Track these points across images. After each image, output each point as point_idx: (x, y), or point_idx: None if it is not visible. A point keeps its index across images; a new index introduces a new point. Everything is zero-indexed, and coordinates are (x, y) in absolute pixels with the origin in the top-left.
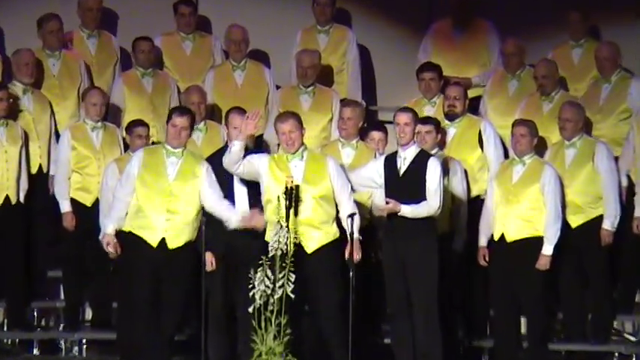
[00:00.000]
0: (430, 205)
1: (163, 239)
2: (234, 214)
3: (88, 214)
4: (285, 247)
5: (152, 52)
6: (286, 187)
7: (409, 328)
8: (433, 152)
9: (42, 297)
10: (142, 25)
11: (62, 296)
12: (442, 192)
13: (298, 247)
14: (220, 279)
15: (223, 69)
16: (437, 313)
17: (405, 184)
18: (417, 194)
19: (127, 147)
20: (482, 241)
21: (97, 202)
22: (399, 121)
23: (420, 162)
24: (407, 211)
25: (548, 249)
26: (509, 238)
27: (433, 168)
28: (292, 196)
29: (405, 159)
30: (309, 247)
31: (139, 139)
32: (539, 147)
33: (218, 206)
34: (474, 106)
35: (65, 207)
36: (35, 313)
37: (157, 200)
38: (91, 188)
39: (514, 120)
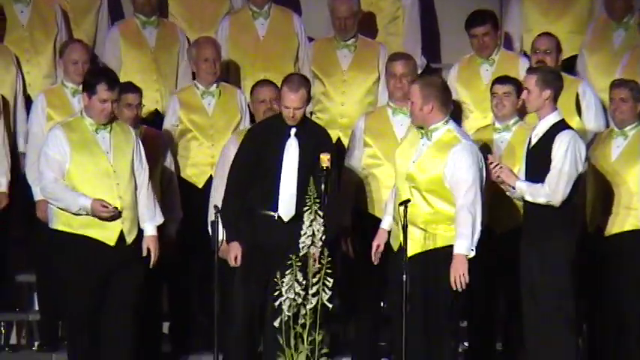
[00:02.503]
0: (545, 190)
1: (121, 234)
2: (149, 222)
3: None
4: (321, 242)
5: None
6: (322, 167)
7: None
8: (511, 122)
9: (11, 308)
10: None
11: (36, 307)
12: (568, 179)
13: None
14: (243, 279)
15: (242, 16)
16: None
17: (530, 163)
18: (542, 177)
19: None
20: None
21: None
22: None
23: (550, 135)
24: (522, 187)
25: None
26: (607, 232)
27: (559, 143)
28: (328, 179)
29: (538, 133)
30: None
31: (129, 109)
32: None
33: (142, 198)
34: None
35: (39, 194)
36: (2, 329)
37: (102, 187)
38: None
39: (612, 80)
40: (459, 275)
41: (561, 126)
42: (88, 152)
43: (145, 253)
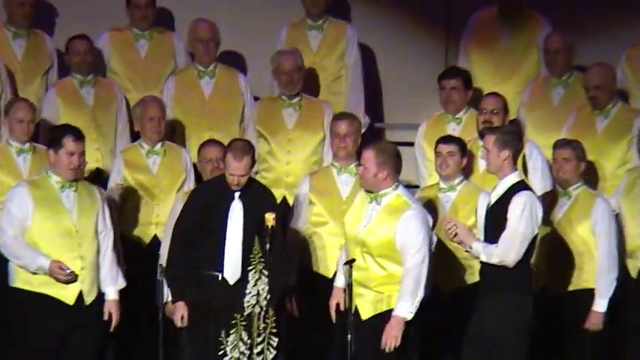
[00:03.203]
0: (498, 251)
1: (80, 294)
2: (111, 286)
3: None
4: (265, 302)
5: (89, 54)
6: (266, 226)
7: None
8: (456, 181)
9: None
10: (88, 23)
11: None
12: (522, 240)
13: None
14: (190, 340)
15: (187, 75)
16: None
17: (489, 223)
18: (499, 237)
19: None
20: None
21: None
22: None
23: (508, 196)
24: (478, 248)
25: (600, 304)
26: (555, 292)
27: (515, 204)
28: (273, 238)
29: (497, 193)
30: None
31: None
32: (592, 174)
33: (105, 261)
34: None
35: None
36: None
37: (63, 246)
38: None
39: (555, 141)
40: (392, 336)
41: (520, 187)
42: (50, 210)
43: (106, 317)
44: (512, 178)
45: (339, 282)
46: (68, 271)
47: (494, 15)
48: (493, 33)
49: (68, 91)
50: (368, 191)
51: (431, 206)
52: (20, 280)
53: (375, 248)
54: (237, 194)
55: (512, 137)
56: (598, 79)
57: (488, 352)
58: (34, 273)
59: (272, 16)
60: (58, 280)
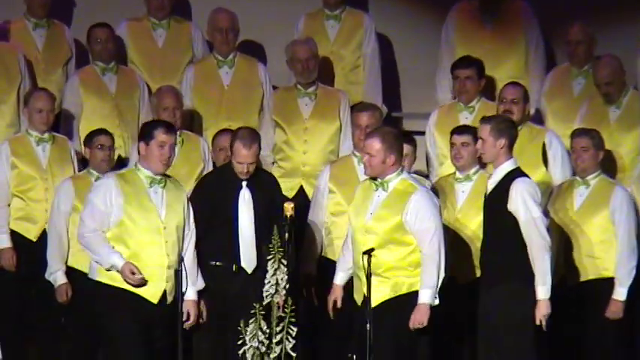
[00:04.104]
0: (538, 248)
1: (164, 292)
2: (191, 286)
3: (32, 251)
4: (285, 291)
5: (110, 42)
6: (286, 216)
7: None
8: (472, 171)
9: None
10: (104, 13)
11: None
12: (541, 221)
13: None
14: (209, 335)
15: (206, 65)
16: None
17: (487, 212)
18: (498, 232)
19: (82, 164)
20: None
21: (43, 236)
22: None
23: (504, 183)
24: (541, 287)
25: (620, 293)
26: (571, 281)
27: (514, 194)
28: (292, 228)
29: (493, 181)
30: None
31: (101, 151)
32: (607, 163)
33: (187, 261)
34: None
35: (4, 242)
36: None
37: (152, 243)
38: (37, 217)
39: (573, 130)
40: (419, 323)
41: (516, 174)
42: (138, 205)
43: (185, 317)
44: (508, 166)
45: (338, 279)
46: (139, 277)
47: (474, 6)
48: (476, 22)
49: (90, 78)
50: (372, 179)
51: (447, 196)
52: (104, 274)
53: (385, 233)
54: (244, 182)
55: (507, 125)
56: (608, 75)
57: (496, 342)
58: (108, 270)
59: (290, 5)
60: (126, 282)
